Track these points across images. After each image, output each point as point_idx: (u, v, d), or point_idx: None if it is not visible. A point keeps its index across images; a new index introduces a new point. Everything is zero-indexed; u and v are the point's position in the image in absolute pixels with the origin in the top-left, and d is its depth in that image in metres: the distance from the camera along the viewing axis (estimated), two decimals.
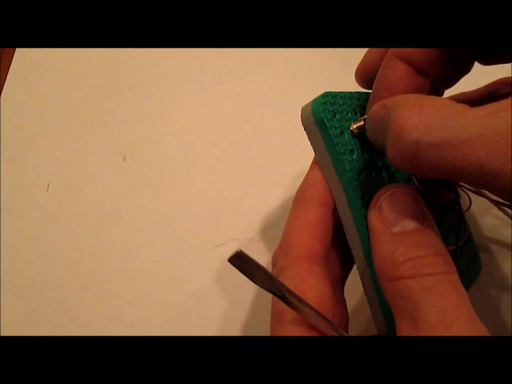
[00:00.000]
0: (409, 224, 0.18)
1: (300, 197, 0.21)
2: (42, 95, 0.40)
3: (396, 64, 0.20)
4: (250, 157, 0.36)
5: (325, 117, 0.20)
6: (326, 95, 0.21)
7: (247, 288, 0.32)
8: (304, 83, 0.38)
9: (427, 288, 0.16)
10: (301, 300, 0.18)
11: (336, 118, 0.21)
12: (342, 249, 0.22)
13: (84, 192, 0.36)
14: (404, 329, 0.17)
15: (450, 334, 0.16)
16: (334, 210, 0.21)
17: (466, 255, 0.26)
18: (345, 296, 0.22)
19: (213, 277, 0.33)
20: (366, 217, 0.20)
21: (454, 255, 0.24)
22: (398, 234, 0.18)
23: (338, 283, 0.23)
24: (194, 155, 0.37)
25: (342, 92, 0.22)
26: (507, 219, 0.30)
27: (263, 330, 0.30)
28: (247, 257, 0.17)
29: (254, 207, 0.34)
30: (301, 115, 0.22)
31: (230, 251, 0.33)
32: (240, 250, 0.17)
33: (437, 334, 0.16)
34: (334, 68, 0.38)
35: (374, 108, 0.19)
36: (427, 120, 0.16)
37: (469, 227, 0.27)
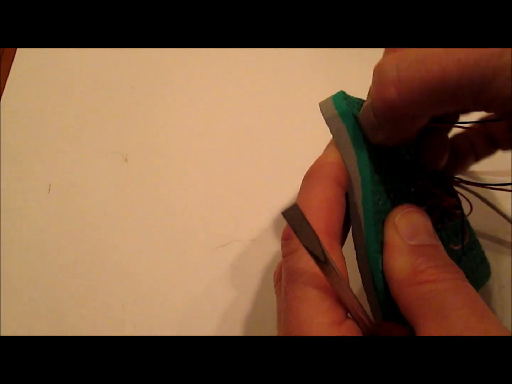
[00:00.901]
0: (425, 240, 0.20)
1: (316, 174, 0.21)
2: (44, 95, 0.40)
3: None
4: (252, 158, 0.36)
5: (351, 110, 0.21)
6: (344, 92, 0.22)
7: (250, 288, 0.32)
8: (304, 83, 0.38)
9: (453, 288, 0.18)
10: (338, 272, 0.18)
11: (355, 114, 0.21)
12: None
13: (86, 193, 0.36)
14: (429, 326, 0.17)
15: (483, 326, 0.17)
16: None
17: (472, 260, 0.26)
18: None
19: (216, 278, 0.33)
20: (374, 215, 0.20)
21: (459, 260, 0.24)
22: (417, 246, 0.19)
23: None
24: (196, 155, 0.37)
25: (350, 96, 0.22)
26: (506, 221, 0.30)
27: (266, 330, 0.30)
28: (301, 213, 0.17)
29: (257, 208, 0.34)
30: (322, 109, 0.22)
31: (232, 252, 0.33)
32: (296, 204, 0.16)
33: (471, 325, 0.17)
34: (334, 68, 0.38)
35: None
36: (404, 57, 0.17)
37: (474, 233, 0.27)
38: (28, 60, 0.42)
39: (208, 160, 0.36)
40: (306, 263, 0.19)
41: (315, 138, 0.36)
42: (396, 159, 0.23)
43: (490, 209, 0.30)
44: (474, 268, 0.26)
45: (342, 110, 0.21)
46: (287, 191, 0.35)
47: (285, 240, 0.21)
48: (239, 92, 0.39)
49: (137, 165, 0.37)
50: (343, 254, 0.20)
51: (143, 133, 0.38)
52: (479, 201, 0.29)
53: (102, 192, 0.36)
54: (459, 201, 0.25)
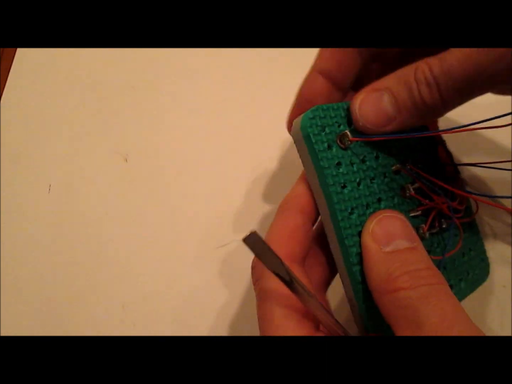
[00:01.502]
0: (401, 244, 0.20)
1: (283, 206, 0.23)
2: (44, 95, 0.40)
3: (317, 78, 0.24)
4: (253, 158, 0.36)
5: (312, 133, 0.21)
6: (316, 109, 0.21)
7: (251, 288, 0.32)
8: None
9: (426, 296, 0.18)
10: (305, 289, 0.18)
11: (324, 132, 0.21)
12: (328, 253, 0.23)
13: (86, 193, 0.36)
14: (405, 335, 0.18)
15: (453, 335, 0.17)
16: (315, 220, 0.22)
17: (470, 260, 0.26)
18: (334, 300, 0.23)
19: (217, 278, 0.33)
20: (345, 229, 0.21)
21: (453, 262, 0.25)
22: (392, 252, 0.20)
23: (323, 286, 0.23)
24: (196, 155, 0.37)
25: (335, 104, 0.22)
26: (507, 220, 0.30)
27: None
28: (261, 239, 0.17)
29: (257, 208, 0.34)
30: (292, 129, 0.22)
31: (233, 251, 0.33)
32: (255, 231, 0.17)
33: (440, 335, 0.17)
34: None
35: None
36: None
37: (478, 232, 0.27)
38: (28, 60, 0.42)
39: (208, 160, 0.36)
40: (274, 283, 0.20)
41: None
42: (387, 166, 0.23)
43: (492, 208, 0.30)
44: (471, 269, 0.26)
45: (305, 133, 0.21)
46: (287, 191, 0.34)
47: (253, 268, 0.22)
48: (240, 92, 0.39)
49: (137, 165, 0.37)
50: (303, 275, 0.21)
51: (143, 133, 0.38)
52: (482, 199, 0.29)
53: (102, 192, 0.36)
54: (462, 202, 0.25)
